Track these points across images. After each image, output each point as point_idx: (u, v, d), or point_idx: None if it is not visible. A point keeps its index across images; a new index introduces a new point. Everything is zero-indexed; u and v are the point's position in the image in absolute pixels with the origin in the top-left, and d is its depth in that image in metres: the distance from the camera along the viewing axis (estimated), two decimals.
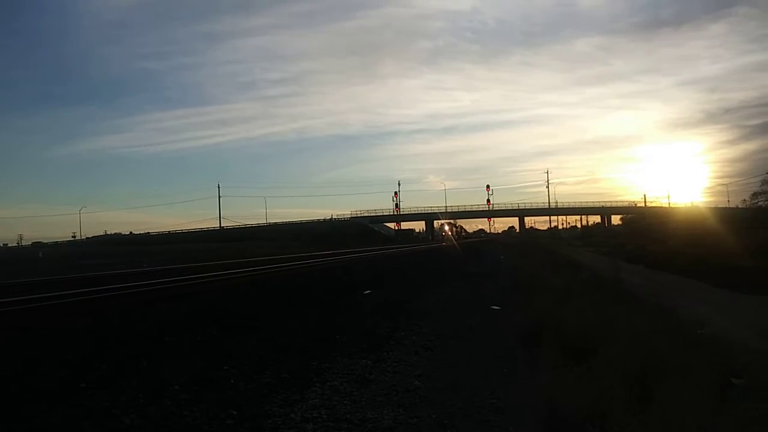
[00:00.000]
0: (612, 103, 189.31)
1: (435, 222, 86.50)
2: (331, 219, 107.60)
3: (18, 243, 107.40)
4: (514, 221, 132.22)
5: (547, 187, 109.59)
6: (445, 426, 4.00)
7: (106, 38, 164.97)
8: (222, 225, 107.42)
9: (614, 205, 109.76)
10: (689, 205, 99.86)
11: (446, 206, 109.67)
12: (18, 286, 12.48)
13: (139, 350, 5.66)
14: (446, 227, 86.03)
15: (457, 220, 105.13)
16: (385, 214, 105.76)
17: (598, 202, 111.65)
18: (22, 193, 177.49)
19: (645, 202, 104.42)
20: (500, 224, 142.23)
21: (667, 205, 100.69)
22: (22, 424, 3.58)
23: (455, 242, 67.87)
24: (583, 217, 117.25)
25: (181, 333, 6.56)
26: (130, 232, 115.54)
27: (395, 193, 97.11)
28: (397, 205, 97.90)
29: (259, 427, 3.90)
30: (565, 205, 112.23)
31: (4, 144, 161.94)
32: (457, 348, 6.64)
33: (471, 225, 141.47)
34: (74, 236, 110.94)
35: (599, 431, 2.84)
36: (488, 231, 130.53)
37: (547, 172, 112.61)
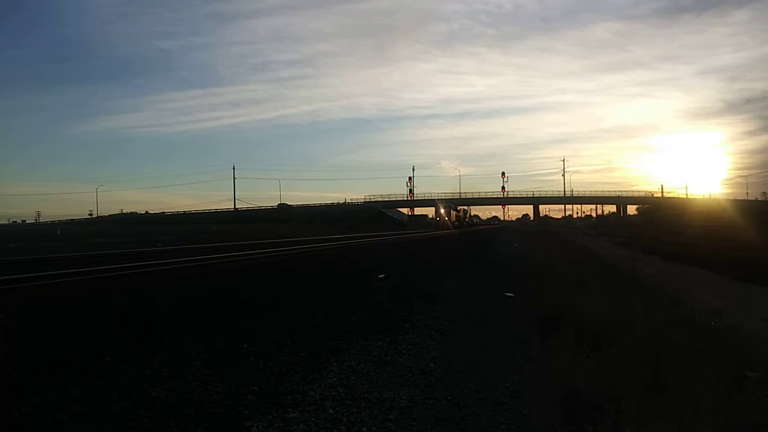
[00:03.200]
0: (630, 91, 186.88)
1: (441, 207, 72.26)
2: (344, 203, 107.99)
3: (36, 219, 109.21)
4: (528, 209, 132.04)
5: (563, 175, 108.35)
6: (460, 407, 4.09)
7: (119, 17, 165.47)
8: (236, 206, 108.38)
9: (630, 194, 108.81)
10: (707, 196, 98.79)
11: (460, 192, 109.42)
12: (42, 261, 12.76)
13: (161, 327, 5.81)
14: (441, 210, 71.35)
15: (469, 207, 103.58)
16: (398, 199, 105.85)
17: (614, 191, 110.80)
18: (40, 170, 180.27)
19: (662, 192, 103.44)
20: (514, 212, 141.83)
21: (684, 196, 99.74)
22: (57, 392, 3.73)
23: (452, 228, 59.91)
24: (598, 206, 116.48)
25: (201, 311, 6.70)
26: (146, 212, 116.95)
27: (409, 178, 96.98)
28: (411, 191, 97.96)
29: (280, 403, 4.02)
30: (580, 194, 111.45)
31: (21, 121, 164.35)
32: (471, 333, 6.71)
33: (485, 212, 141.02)
34: (91, 214, 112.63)
35: (615, 415, 2.91)
36: (502, 218, 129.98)
37: (563, 160, 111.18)
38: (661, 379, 3.36)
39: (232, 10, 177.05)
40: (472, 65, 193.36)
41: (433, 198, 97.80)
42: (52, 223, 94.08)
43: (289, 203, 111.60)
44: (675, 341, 4.34)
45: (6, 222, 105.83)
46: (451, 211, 71.38)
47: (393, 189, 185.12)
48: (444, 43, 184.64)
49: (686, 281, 12.70)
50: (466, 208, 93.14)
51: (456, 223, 70.46)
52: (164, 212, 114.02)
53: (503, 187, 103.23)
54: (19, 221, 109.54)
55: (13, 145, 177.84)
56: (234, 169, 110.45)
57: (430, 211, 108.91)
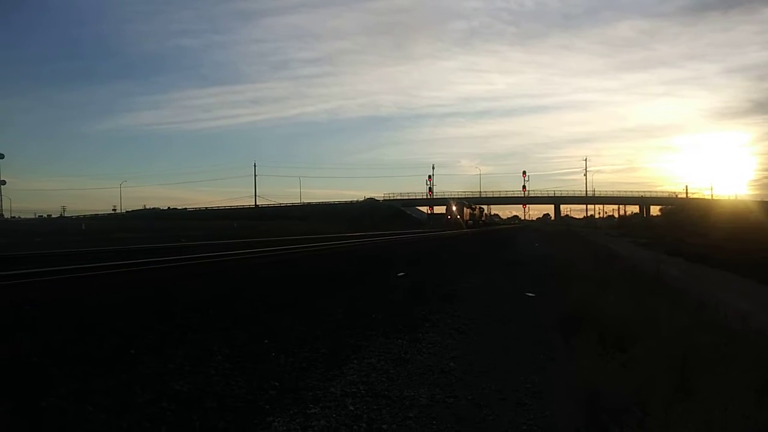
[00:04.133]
0: (654, 90, 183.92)
1: (453, 205, 66.80)
2: (364, 201, 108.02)
3: (61, 214, 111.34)
4: (549, 209, 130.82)
5: (585, 175, 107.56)
6: (480, 407, 4.06)
7: (140, 15, 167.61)
8: (257, 203, 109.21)
9: (654, 195, 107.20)
10: (733, 197, 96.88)
11: (480, 191, 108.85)
12: (68, 256, 13.01)
13: (184, 322, 5.88)
14: (453, 207, 65.29)
15: (488, 207, 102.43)
16: (417, 197, 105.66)
17: (637, 191, 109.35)
18: (64, 166, 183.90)
19: (686, 193, 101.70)
20: (535, 211, 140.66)
21: (709, 197, 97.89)
22: (83, 384, 3.79)
23: (465, 227, 56.36)
24: (620, 206, 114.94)
25: (223, 307, 6.77)
26: (168, 207, 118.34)
27: (429, 176, 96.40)
28: (430, 189, 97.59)
29: (301, 398, 4.04)
30: (602, 194, 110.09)
31: (45, 118, 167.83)
32: (491, 332, 6.67)
33: (505, 211, 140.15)
34: (114, 209, 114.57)
35: (641, 418, 2.86)
36: (523, 218, 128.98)
37: (586, 160, 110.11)
38: (687, 382, 3.30)
39: (252, 8, 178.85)
40: (493, 63, 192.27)
41: (453, 197, 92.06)
42: (77, 217, 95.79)
43: (309, 201, 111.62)
44: (701, 344, 4.26)
45: (32, 216, 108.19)
46: (464, 209, 66.87)
47: (412, 187, 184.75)
48: (464, 41, 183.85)
49: (711, 283, 12.47)
50: (482, 207, 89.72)
51: (470, 222, 66.80)
52: (186, 208, 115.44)
53: (524, 187, 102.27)
54: (45, 216, 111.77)
55: (37, 142, 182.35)
56: (255, 166, 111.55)
57: None
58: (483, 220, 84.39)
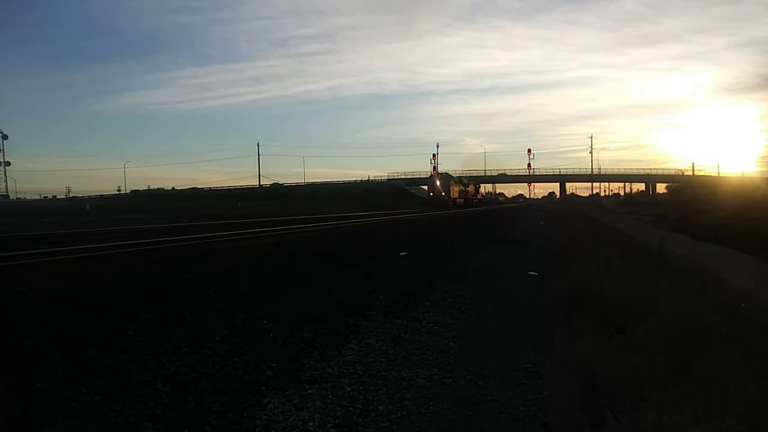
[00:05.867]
0: (660, 66, 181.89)
1: (437, 180, 57.42)
2: (368, 180, 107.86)
3: (66, 195, 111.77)
4: (554, 187, 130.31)
5: (591, 152, 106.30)
6: (479, 387, 4.04)
7: None
8: (261, 183, 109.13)
9: (660, 172, 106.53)
10: (740, 174, 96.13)
11: (485, 170, 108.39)
12: (69, 236, 13.02)
13: (182, 301, 5.86)
14: (437, 182, 55.81)
15: (495, 187, 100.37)
16: (422, 176, 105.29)
17: (643, 169, 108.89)
18: (69, 146, 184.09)
19: (693, 170, 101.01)
20: (540, 190, 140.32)
21: (716, 175, 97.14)
22: (77, 365, 3.78)
23: (451, 207, 49.89)
24: (626, 184, 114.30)
25: (221, 287, 6.75)
26: (173, 188, 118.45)
27: (433, 155, 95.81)
28: (435, 168, 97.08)
29: (298, 380, 4.02)
30: (608, 172, 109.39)
31: (47, 98, 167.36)
32: (492, 312, 6.64)
33: (510, 190, 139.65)
34: (119, 190, 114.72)
35: (638, 399, 2.82)
36: (528, 196, 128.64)
37: (591, 138, 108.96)
38: (687, 363, 3.24)
39: None
40: (497, 39, 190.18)
41: (462, 176, 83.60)
42: (82, 198, 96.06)
43: (281, 183, 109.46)
44: (703, 324, 4.20)
45: (38, 197, 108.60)
46: (452, 185, 56.98)
47: (417, 166, 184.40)
48: (467, 17, 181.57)
49: (716, 261, 12.39)
50: (478, 184, 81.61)
51: (460, 200, 58.63)
52: (192, 187, 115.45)
53: (529, 165, 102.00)
54: (50, 197, 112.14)
55: (41, 122, 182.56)
56: (258, 145, 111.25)
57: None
58: (479, 198, 77.18)
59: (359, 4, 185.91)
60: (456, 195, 56.94)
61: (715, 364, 3.13)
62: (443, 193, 53.75)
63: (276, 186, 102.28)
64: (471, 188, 69.24)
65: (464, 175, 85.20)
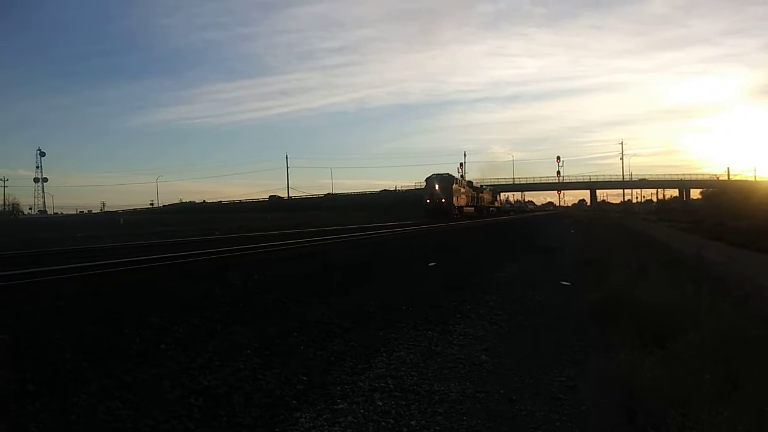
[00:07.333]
0: (691, 69, 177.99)
1: (435, 184, 43.46)
2: (394, 190, 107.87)
3: (101, 209, 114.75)
4: (584, 194, 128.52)
5: (621, 159, 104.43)
6: (513, 401, 3.95)
7: (164, 9, 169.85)
8: (290, 195, 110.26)
9: (693, 178, 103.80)
10: None
11: (513, 178, 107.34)
12: (102, 250, 13.31)
13: (214, 315, 5.90)
14: (436, 186, 43.15)
15: (524, 195, 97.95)
16: None
17: (676, 175, 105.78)
18: (103, 162, 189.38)
19: (728, 175, 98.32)
20: (570, 197, 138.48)
21: (752, 179, 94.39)
22: (113, 380, 3.82)
23: (453, 218, 40.46)
24: (658, 190, 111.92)
25: (252, 300, 6.78)
26: (204, 201, 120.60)
27: (460, 164, 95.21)
28: (462, 176, 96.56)
29: (329, 393, 3.99)
30: (640, 178, 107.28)
31: (81, 116, 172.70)
32: (525, 323, 6.52)
33: (539, 197, 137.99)
34: (152, 204, 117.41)
35: (682, 417, 2.71)
36: (558, 204, 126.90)
37: (622, 144, 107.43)
38: (732, 379, 3.11)
39: None
40: (521, 46, 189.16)
41: (490, 184, 78.89)
42: (116, 212, 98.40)
43: (340, 192, 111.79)
44: (747, 338, 4.04)
45: (74, 212, 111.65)
46: (456, 189, 44.71)
47: None
48: (491, 24, 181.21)
49: (756, 270, 11.98)
50: (497, 190, 72.12)
51: (469, 208, 48.17)
52: (221, 201, 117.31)
53: (558, 172, 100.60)
54: (86, 211, 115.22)
55: (76, 139, 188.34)
56: (287, 158, 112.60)
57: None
58: (496, 207, 66.31)
59: (382, 16, 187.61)
60: (463, 202, 46.50)
61: (763, 380, 2.99)
62: (443, 200, 42.53)
63: (305, 197, 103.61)
64: (486, 195, 59.58)
65: (494, 184, 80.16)
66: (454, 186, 44.36)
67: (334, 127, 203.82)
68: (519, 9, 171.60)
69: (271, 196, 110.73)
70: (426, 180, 45.20)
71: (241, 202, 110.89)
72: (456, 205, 43.78)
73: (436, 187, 43.14)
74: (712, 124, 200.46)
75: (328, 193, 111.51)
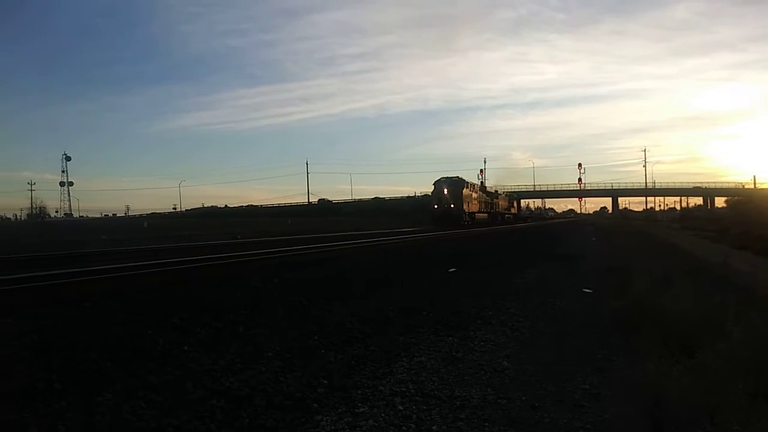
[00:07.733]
0: (715, 75, 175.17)
1: (444, 188, 40.24)
2: (414, 196, 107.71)
3: (125, 213, 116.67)
4: (606, 201, 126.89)
5: (644, 166, 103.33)
6: (535, 408, 3.90)
7: (186, 16, 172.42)
8: (309, 200, 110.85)
9: (718, 186, 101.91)
10: None
11: (534, 185, 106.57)
12: (127, 253, 13.51)
13: (236, 318, 5.95)
14: (445, 191, 40.15)
15: (543, 200, 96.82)
16: None
17: (700, 182, 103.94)
18: (127, 167, 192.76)
19: (755, 183, 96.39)
20: (591, 204, 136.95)
21: None
22: (137, 380, 3.87)
23: (463, 225, 37.40)
24: (682, 198, 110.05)
25: (274, 303, 6.82)
26: (225, 205, 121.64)
27: (481, 170, 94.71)
28: (482, 183, 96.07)
29: (350, 397, 3.99)
30: (663, 186, 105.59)
31: (105, 121, 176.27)
32: (546, 330, 6.44)
33: (561, 204, 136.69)
34: (175, 208, 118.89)
35: (712, 427, 2.65)
36: (579, 211, 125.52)
37: (644, 151, 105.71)
38: (764, 389, 3.03)
39: (297, 6, 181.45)
40: (542, 52, 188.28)
41: (510, 191, 73.22)
42: (140, 216, 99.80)
43: (328, 200, 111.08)
44: None
45: (98, 215, 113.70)
46: (467, 194, 41.63)
47: None
48: (512, 31, 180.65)
49: None
50: (513, 196, 67.45)
51: (482, 215, 45.26)
52: (242, 206, 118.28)
53: (580, 179, 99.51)
54: (110, 215, 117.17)
55: (102, 144, 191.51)
56: (307, 164, 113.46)
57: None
58: (512, 214, 63.37)
59: (402, 22, 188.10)
60: (474, 207, 43.26)
61: None
62: (451, 205, 39.38)
63: (323, 202, 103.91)
64: (501, 201, 56.21)
65: (512, 191, 74.89)
66: (465, 190, 41.29)
67: (355, 132, 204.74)
68: (539, 15, 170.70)
69: (320, 200, 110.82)
70: (434, 184, 41.87)
71: (279, 206, 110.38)
72: (467, 210, 41.00)
73: (445, 191, 40.05)
74: (737, 132, 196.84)
75: (359, 199, 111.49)
